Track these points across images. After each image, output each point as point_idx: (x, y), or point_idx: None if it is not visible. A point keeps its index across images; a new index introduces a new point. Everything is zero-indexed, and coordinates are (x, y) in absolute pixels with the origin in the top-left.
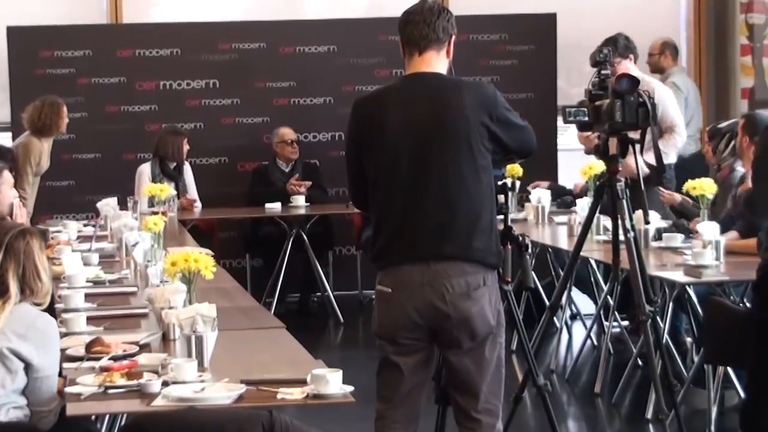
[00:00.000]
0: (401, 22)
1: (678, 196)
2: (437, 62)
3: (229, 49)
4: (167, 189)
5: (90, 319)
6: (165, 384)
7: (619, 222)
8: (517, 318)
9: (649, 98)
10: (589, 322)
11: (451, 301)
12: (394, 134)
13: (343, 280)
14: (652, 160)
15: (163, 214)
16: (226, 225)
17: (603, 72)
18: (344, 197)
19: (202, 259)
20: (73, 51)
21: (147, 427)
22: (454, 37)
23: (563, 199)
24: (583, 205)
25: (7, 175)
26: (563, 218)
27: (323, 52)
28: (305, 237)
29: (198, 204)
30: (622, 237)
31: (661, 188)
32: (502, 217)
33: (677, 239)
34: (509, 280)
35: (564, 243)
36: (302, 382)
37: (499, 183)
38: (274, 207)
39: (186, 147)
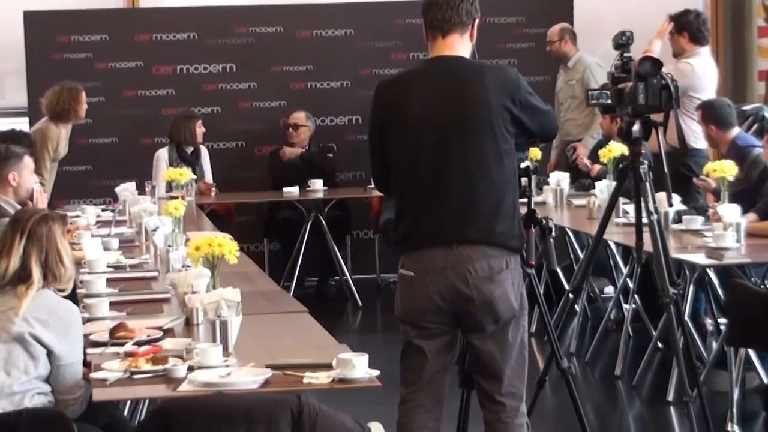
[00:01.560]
0: (425, 5)
1: (712, 182)
2: (460, 46)
3: (246, 33)
4: (187, 173)
5: (112, 304)
6: (190, 369)
7: (643, 204)
8: (541, 301)
9: (672, 80)
10: (608, 305)
11: (474, 284)
12: (417, 117)
13: (361, 264)
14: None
15: (182, 198)
16: (243, 209)
17: (626, 55)
18: (361, 181)
19: (225, 244)
20: (90, 35)
21: (175, 412)
22: (477, 20)
23: (581, 182)
24: (602, 187)
25: (28, 161)
26: (582, 201)
27: (340, 35)
28: (323, 221)
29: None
30: (645, 219)
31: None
32: (525, 200)
33: (697, 221)
34: (532, 263)
35: (583, 226)
36: (328, 367)
37: (522, 166)
38: (292, 191)
39: (201, 129)
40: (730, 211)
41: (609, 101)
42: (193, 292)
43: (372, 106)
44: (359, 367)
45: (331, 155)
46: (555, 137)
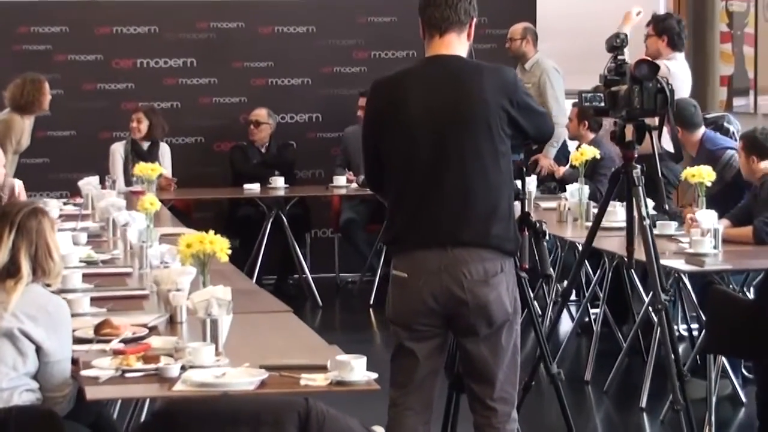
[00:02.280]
0: (422, 2)
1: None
2: (458, 45)
3: (207, 27)
4: (158, 168)
5: (92, 300)
6: (182, 368)
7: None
8: (532, 306)
9: (667, 84)
10: (573, 309)
11: (469, 287)
12: (413, 117)
13: (321, 263)
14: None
15: (140, 193)
16: (203, 206)
17: (619, 57)
18: (320, 179)
19: (217, 242)
20: (50, 27)
21: (178, 413)
22: (475, 19)
23: (546, 185)
24: (573, 190)
25: None
26: (551, 204)
27: (302, 32)
28: (284, 219)
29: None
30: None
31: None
32: (518, 202)
33: (671, 227)
34: (526, 266)
35: (553, 229)
36: (323, 368)
37: (516, 168)
38: (253, 188)
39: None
40: (707, 217)
41: (603, 104)
42: (177, 290)
43: (367, 104)
44: (357, 369)
45: (292, 143)
46: (550, 139)
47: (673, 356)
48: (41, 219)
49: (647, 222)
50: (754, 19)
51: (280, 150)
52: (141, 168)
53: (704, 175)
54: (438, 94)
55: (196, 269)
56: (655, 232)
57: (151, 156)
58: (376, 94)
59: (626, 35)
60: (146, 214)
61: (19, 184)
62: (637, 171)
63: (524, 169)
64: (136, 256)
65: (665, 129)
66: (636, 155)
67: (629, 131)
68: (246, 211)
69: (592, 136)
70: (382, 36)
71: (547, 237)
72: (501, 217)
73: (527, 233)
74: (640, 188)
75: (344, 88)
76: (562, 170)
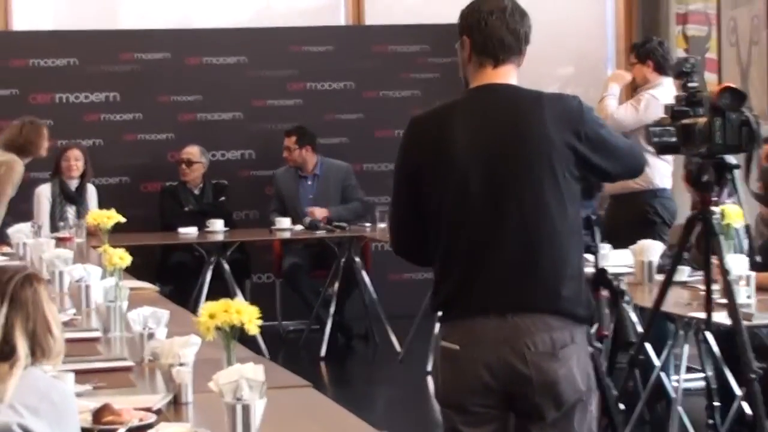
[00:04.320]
0: (468, 19)
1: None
2: (513, 75)
3: (131, 59)
4: (114, 216)
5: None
6: None
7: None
8: (606, 388)
9: (754, 116)
10: None
11: (533, 361)
12: (462, 159)
13: (262, 311)
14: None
15: (68, 240)
16: (132, 251)
17: (690, 84)
18: (255, 221)
19: (245, 311)
20: None
21: None
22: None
23: None
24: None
25: None
26: None
27: (231, 63)
28: (225, 265)
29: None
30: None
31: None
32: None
33: (684, 272)
34: (606, 333)
35: None
36: None
37: (583, 217)
38: (190, 232)
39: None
40: (738, 263)
41: (674, 139)
42: (181, 364)
43: (402, 146)
44: None
45: (223, 198)
46: (641, 174)
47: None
48: (37, 287)
49: (732, 277)
50: (717, 44)
51: (217, 194)
52: (95, 216)
53: (732, 216)
54: (491, 130)
55: (200, 340)
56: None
57: (81, 198)
58: (415, 133)
59: (697, 59)
60: (114, 269)
61: None
62: (717, 217)
63: (593, 217)
64: (101, 319)
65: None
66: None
67: (707, 171)
68: (180, 258)
69: None
70: (319, 66)
71: (626, 298)
72: (571, 275)
73: (603, 294)
74: (721, 237)
75: (279, 123)
76: None
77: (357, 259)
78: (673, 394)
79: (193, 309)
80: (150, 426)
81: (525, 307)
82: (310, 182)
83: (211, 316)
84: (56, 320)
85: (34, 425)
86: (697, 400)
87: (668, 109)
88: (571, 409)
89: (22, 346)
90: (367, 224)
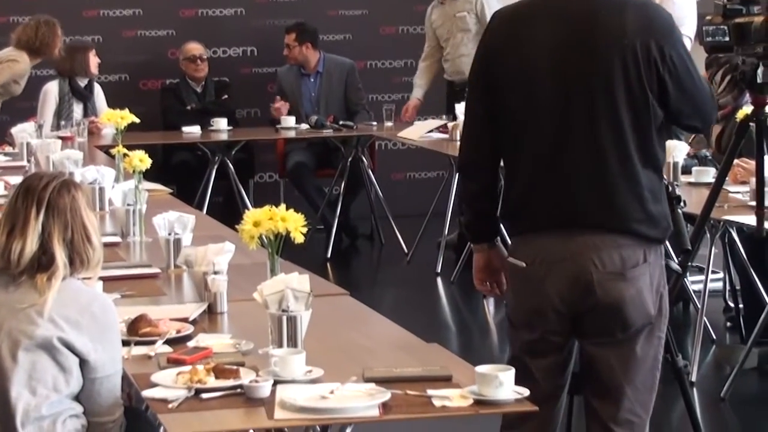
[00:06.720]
0: None
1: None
2: None
3: None
4: (128, 116)
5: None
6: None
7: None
8: (693, 301)
9: None
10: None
11: (600, 281)
12: (536, 59)
13: None
14: None
15: (70, 139)
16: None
17: None
18: (257, 119)
19: (291, 219)
20: None
21: None
22: None
23: None
24: None
25: None
26: None
27: None
28: (230, 164)
29: (107, 129)
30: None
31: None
32: None
33: (709, 174)
34: (689, 248)
35: None
36: (445, 379)
37: None
38: (193, 131)
39: (95, 60)
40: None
41: (726, 38)
42: (215, 272)
43: (481, 43)
44: (506, 384)
45: (227, 96)
46: (708, 129)
47: None
48: (75, 194)
49: None
50: None
51: (219, 92)
52: (109, 115)
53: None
54: (566, 34)
55: (233, 247)
56: (691, 179)
57: (91, 95)
58: (494, 30)
59: None
60: (135, 172)
61: None
62: None
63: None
64: (120, 223)
65: None
66: None
67: (761, 71)
68: (183, 157)
69: None
70: None
71: (682, 204)
72: (640, 194)
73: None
74: None
75: (281, 19)
76: None
77: (364, 159)
78: (694, 297)
79: (199, 207)
80: (189, 337)
81: (592, 223)
82: (312, 80)
83: (256, 224)
84: (95, 228)
85: (75, 339)
86: (712, 302)
87: (719, 7)
88: (637, 332)
89: (60, 255)
90: (374, 123)
